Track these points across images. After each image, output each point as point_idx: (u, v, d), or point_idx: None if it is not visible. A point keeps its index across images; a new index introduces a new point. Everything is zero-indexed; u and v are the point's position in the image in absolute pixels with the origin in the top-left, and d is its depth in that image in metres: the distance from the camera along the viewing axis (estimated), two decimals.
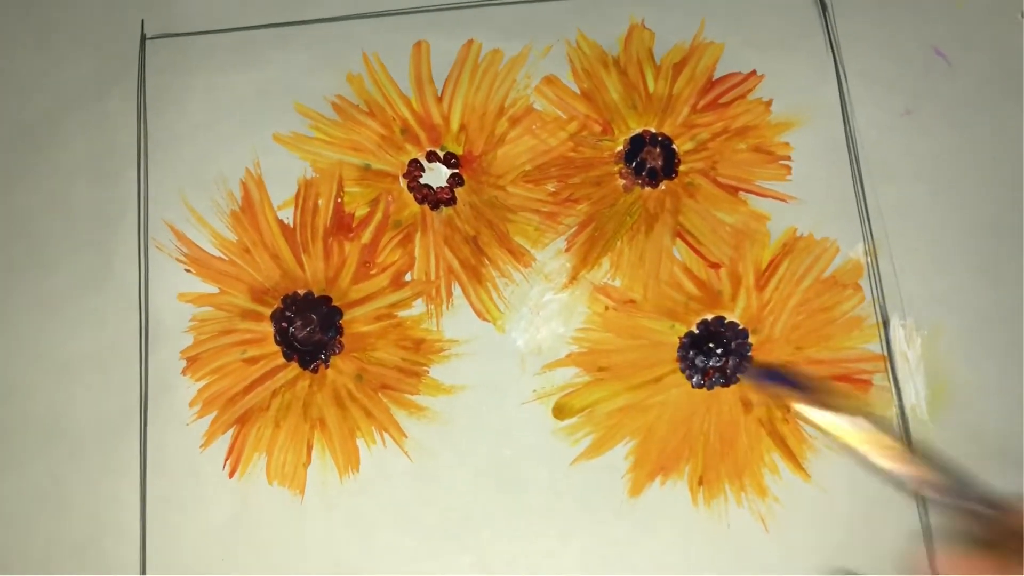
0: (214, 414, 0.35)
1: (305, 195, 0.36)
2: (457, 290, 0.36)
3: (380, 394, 0.35)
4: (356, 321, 0.36)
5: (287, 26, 0.38)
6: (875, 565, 0.33)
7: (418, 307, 0.36)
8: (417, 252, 0.36)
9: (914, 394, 0.34)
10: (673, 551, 0.33)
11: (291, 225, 0.36)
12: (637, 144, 0.37)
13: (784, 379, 0.33)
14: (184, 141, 0.37)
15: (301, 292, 0.36)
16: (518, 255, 0.36)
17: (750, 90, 0.37)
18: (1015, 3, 0.38)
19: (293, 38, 0.38)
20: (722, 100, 0.37)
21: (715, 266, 0.36)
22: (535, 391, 0.35)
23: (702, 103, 0.37)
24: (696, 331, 0.35)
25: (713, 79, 0.37)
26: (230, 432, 0.35)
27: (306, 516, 0.34)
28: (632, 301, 0.35)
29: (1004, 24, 0.38)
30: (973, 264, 0.35)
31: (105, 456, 0.35)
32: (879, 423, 0.29)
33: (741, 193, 0.36)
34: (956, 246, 0.36)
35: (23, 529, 0.34)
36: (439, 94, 0.37)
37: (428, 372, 0.35)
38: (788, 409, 0.34)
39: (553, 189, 0.36)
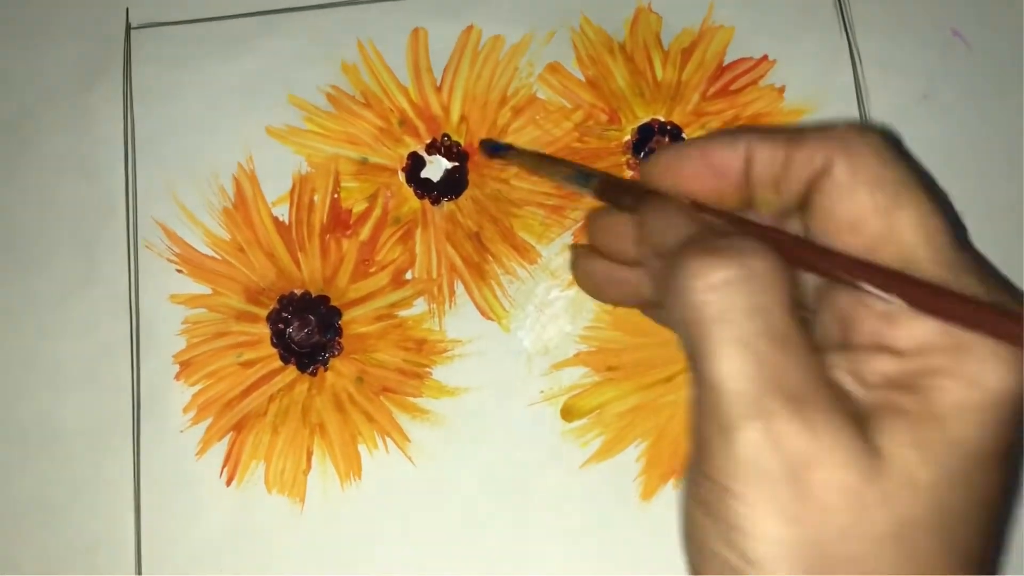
0: (209, 420, 0.34)
1: (300, 191, 0.35)
2: (460, 288, 0.35)
3: (382, 397, 0.34)
4: (355, 322, 0.34)
5: (278, 13, 0.37)
6: None
7: (419, 306, 0.34)
8: (418, 249, 0.35)
9: None
10: None
11: (286, 222, 0.35)
12: (646, 134, 0.35)
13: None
14: (173, 135, 0.36)
15: (298, 292, 0.34)
16: (523, 251, 0.35)
17: (762, 76, 0.36)
18: None
19: (285, 26, 0.37)
20: (733, 87, 0.36)
21: None
22: (542, 392, 0.34)
23: (712, 90, 0.36)
24: None
25: (723, 65, 0.36)
26: (226, 439, 0.33)
27: (307, 525, 0.33)
28: None
29: None
30: (995, 256, 0.34)
31: (97, 465, 0.33)
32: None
33: None
34: (977, 236, 0.34)
35: (13, 540, 0.33)
36: (438, 83, 0.36)
37: (431, 374, 0.34)
38: None
39: None
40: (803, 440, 0.19)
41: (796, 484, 0.19)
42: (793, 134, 0.22)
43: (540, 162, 0.33)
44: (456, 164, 0.35)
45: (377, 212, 0.35)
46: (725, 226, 0.23)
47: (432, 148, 0.35)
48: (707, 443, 0.20)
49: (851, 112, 0.35)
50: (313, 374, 0.34)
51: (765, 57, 0.36)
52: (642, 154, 0.35)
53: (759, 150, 0.23)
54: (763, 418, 0.19)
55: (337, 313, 0.34)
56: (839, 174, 0.21)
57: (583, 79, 0.36)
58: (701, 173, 0.24)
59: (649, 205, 0.24)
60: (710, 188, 0.24)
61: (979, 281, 0.20)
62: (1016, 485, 0.24)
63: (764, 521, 0.19)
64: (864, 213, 0.21)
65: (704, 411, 0.20)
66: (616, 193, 0.26)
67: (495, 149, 0.34)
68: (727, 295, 0.20)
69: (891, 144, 0.22)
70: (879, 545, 0.19)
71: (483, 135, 0.35)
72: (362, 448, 0.33)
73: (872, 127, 0.23)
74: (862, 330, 0.21)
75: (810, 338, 0.21)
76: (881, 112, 0.35)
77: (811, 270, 0.22)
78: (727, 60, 0.36)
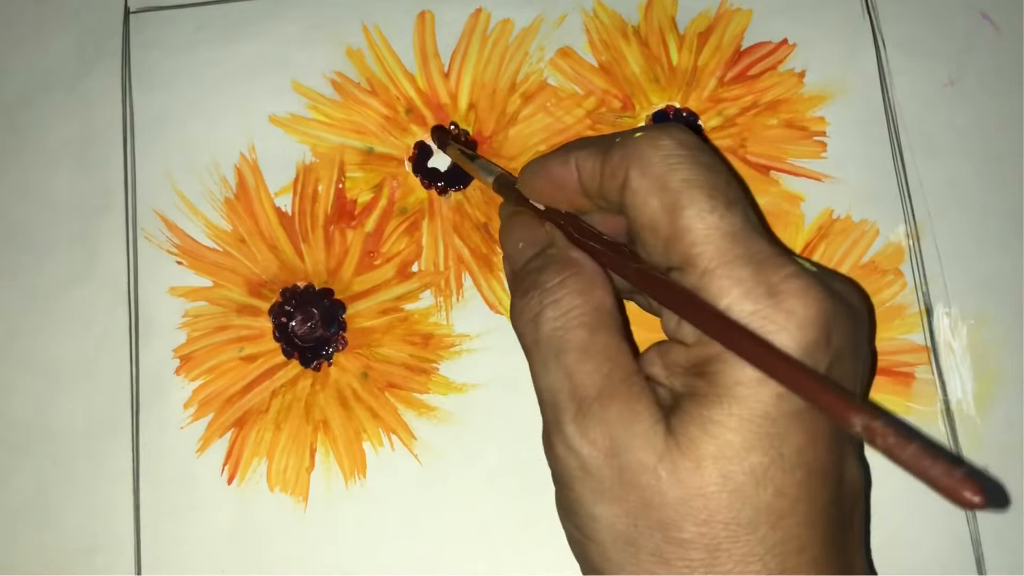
0: (210, 416, 0.33)
1: (304, 181, 0.34)
2: (468, 281, 0.33)
3: (387, 393, 0.33)
4: (360, 315, 0.33)
5: None
6: (920, 567, 0.31)
7: (426, 299, 0.33)
8: (424, 240, 0.34)
9: (960, 387, 0.32)
10: None
11: (289, 213, 0.34)
12: (660, 120, 0.34)
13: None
14: (173, 123, 0.35)
15: (301, 285, 0.33)
16: None
17: (781, 60, 0.34)
18: None
19: (288, 10, 0.35)
20: (751, 72, 0.34)
21: None
22: None
23: (729, 75, 0.34)
24: None
25: (741, 49, 0.35)
26: (228, 435, 0.32)
27: (310, 525, 0.32)
28: None
29: None
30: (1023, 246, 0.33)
31: (95, 462, 0.32)
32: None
33: (772, 172, 0.34)
34: (1005, 227, 0.33)
35: (8, 541, 0.32)
36: (445, 70, 0.35)
37: (438, 369, 0.33)
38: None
39: None
40: (608, 432, 0.23)
41: (612, 468, 0.22)
42: (606, 146, 0.24)
43: (460, 156, 0.33)
44: None
45: (383, 203, 0.34)
46: (562, 238, 0.26)
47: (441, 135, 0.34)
48: (544, 445, 0.25)
49: (874, 98, 0.34)
50: (316, 369, 0.33)
51: (785, 41, 0.35)
52: None
53: (582, 163, 0.25)
54: (575, 421, 0.23)
55: (341, 306, 0.33)
56: (633, 182, 0.23)
57: (596, 64, 0.35)
58: (547, 186, 0.27)
59: (511, 223, 0.28)
60: (558, 198, 0.27)
61: (754, 275, 0.22)
62: (843, 439, 0.23)
63: (591, 504, 0.23)
64: (656, 216, 0.23)
65: (542, 417, 0.25)
66: (505, 192, 0.30)
67: (442, 143, 0.34)
68: (536, 326, 0.24)
69: (686, 146, 0.23)
70: (675, 512, 0.22)
71: (492, 123, 0.34)
72: (367, 445, 0.32)
73: (669, 130, 0.24)
74: (667, 326, 0.24)
75: (617, 338, 0.24)
76: (905, 98, 0.34)
77: (620, 275, 0.25)
78: (745, 44, 0.35)
